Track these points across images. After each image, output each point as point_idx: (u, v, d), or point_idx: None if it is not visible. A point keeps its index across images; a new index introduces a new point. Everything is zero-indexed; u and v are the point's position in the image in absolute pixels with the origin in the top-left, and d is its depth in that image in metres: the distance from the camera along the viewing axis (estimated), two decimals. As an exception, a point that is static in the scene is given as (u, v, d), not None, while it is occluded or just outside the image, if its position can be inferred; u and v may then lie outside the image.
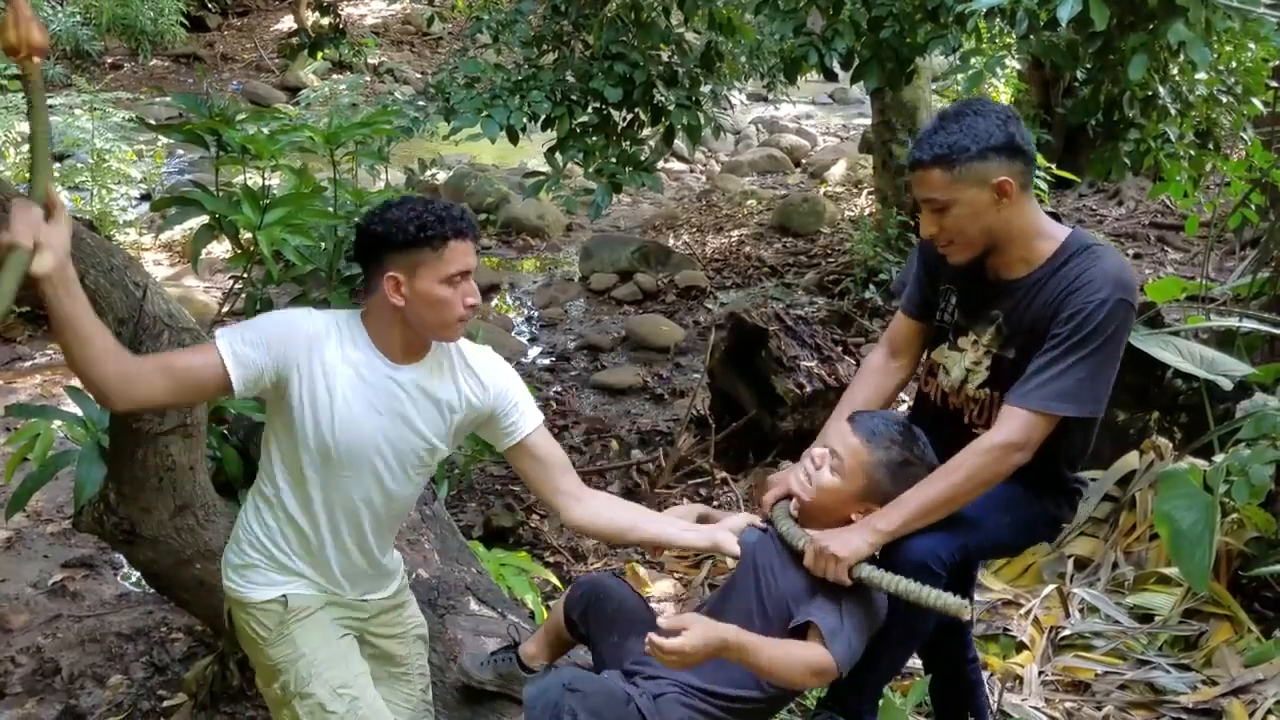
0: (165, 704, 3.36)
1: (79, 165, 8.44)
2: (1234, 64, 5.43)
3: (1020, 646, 3.29)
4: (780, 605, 2.19)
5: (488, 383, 2.25)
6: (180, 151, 10.29)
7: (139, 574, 3.61)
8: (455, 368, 2.22)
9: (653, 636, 2.01)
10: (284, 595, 2.19)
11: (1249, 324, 3.95)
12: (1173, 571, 3.39)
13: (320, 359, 2.07)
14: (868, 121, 11.46)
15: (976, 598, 3.56)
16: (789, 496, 2.30)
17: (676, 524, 2.36)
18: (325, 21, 7.19)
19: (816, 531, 2.18)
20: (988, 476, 2.15)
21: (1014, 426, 2.14)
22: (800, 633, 2.14)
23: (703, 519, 2.37)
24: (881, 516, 2.15)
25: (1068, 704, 3.04)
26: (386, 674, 2.39)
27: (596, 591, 2.42)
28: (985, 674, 3.11)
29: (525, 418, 2.28)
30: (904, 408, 3.34)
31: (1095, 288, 2.12)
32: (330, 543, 2.19)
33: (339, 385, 2.08)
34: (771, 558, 2.25)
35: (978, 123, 2.12)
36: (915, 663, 2.84)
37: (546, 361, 6.85)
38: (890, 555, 2.18)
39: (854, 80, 5.22)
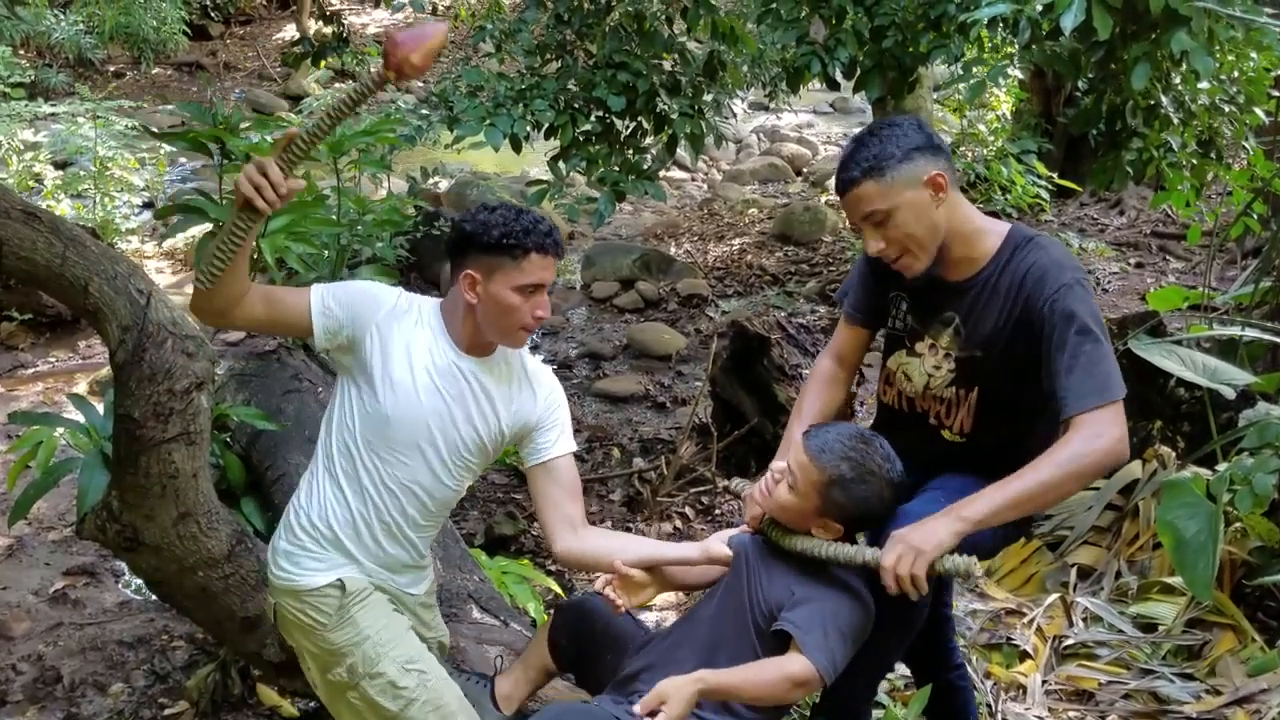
0: (166, 712, 3.35)
1: (81, 173, 8.45)
2: (1236, 73, 5.44)
3: (1023, 655, 3.28)
4: (767, 610, 2.18)
5: (540, 395, 2.32)
6: (183, 160, 10.30)
7: (141, 582, 3.60)
8: (515, 375, 2.30)
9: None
10: (339, 579, 2.22)
11: (1251, 333, 3.94)
12: (1176, 581, 3.39)
13: (399, 329, 2.19)
14: (869, 130, 11.46)
15: (979, 607, 3.56)
16: None
17: (666, 544, 2.46)
18: (328, 30, 7.21)
19: (903, 534, 2.09)
20: (1084, 468, 2.08)
21: (1094, 425, 2.08)
22: (783, 639, 2.13)
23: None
24: (969, 504, 2.07)
25: (1071, 713, 3.03)
26: None
27: (581, 612, 2.41)
28: (988, 683, 3.11)
29: (560, 441, 2.33)
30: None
31: (1056, 277, 2.15)
32: (377, 524, 2.23)
33: (413, 357, 2.18)
34: (760, 560, 2.24)
35: (894, 132, 2.19)
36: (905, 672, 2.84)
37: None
38: None
39: (856, 89, 5.23)
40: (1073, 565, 3.72)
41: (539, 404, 2.31)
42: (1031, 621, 3.41)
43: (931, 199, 2.18)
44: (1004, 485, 2.09)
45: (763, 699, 2.10)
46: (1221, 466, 3.35)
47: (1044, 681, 3.15)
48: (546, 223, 2.15)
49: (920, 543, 2.04)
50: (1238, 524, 3.41)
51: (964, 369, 2.28)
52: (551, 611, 2.52)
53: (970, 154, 9.26)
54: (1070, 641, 3.34)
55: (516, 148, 5.20)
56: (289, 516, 2.30)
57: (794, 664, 2.06)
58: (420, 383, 2.18)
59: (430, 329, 2.21)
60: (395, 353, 2.18)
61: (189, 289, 7.35)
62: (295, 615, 2.25)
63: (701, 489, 5.01)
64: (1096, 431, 2.08)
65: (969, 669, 2.89)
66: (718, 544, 2.30)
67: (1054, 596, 3.53)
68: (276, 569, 2.27)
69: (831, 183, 10.96)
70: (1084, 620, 3.45)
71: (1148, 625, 3.40)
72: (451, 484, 2.28)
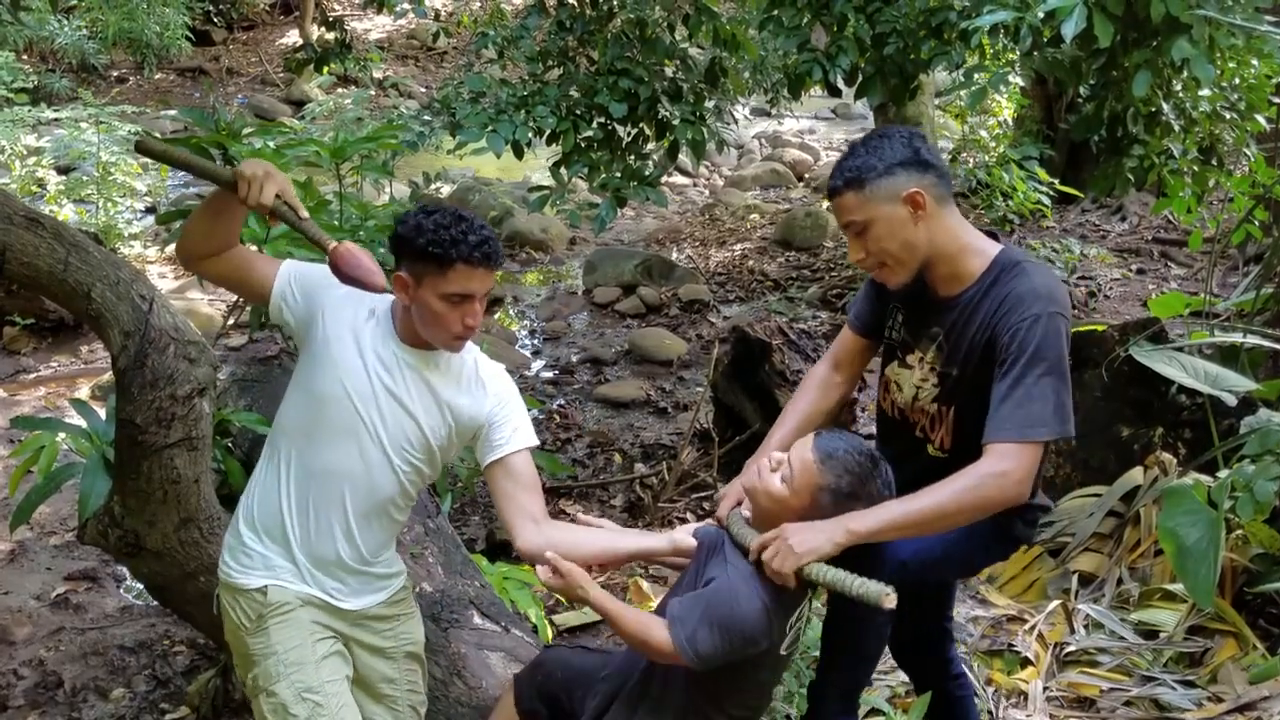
0: (167, 717, 3.35)
1: (84, 178, 8.48)
2: (1237, 80, 5.44)
3: (1025, 662, 3.28)
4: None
5: (490, 391, 2.29)
6: (185, 165, 10.31)
7: (142, 586, 3.61)
8: (465, 373, 2.27)
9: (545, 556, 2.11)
10: (266, 586, 2.21)
11: (1253, 339, 3.94)
12: (1177, 587, 3.39)
13: (350, 316, 2.20)
14: (871, 136, 11.45)
15: (981, 613, 3.56)
16: (741, 504, 2.30)
17: (630, 534, 2.40)
18: (331, 36, 7.22)
19: (792, 525, 2.11)
20: (976, 502, 2.10)
21: (999, 459, 2.10)
22: None
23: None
24: (857, 517, 2.09)
25: (1072, 720, 3.03)
26: (373, 695, 2.37)
27: (537, 673, 2.41)
28: (989, 690, 3.11)
29: (515, 438, 2.28)
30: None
31: (1026, 306, 2.13)
32: (312, 512, 2.20)
33: (360, 344, 2.19)
34: (714, 552, 2.24)
35: (883, 144, 2.20)
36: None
37: (549, 375, 6.85)
38: None
39: (858, 96, 5.23)
40: (1074, 572, 3.72)
41: (488, 400, 2.27)
42: (1033, 628, 3.41)
43: (910, 215, 2.17)
44: (900, 503, 2.11)
45: (623, 637, 2.13)
46: (1223, 473, 3.35)
47: (1045, 688, 3.15)
48: (482, 232, 2.10)
49: (797, 544, 2.05)
50: (1239, 531, 3.41)
51: (944, 385, 2.29)
52: (513, 679, 2.51)
53: (972, 160, 9.26)
54: (1072, 648, 3.34)
55: (518, 154, 5.20)
56: (237, 511, 2.30)
57: (658, 631, 2.07)
58: (359, 367, 2.17)
59: (380, 323, 2.21)
60: (341, 336, 2.18)
61: (191, 294, 7.35)
62: (227, 609, 2.27)
63: (703, 494, 5.01)
64: (1002, 468, 2.08)
65: (970, 677, 2.89)
66: (685, 535, 2.30)
67: (1055, 603, 3.53)
68: (221, 562, 2.29)
69: (833, 189, 10.99)
70: (1085, 627, 3.44)
71: (1149, 632, 3.40)
72: (392, 480, 2.23)
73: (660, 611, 2.26)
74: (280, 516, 2.22)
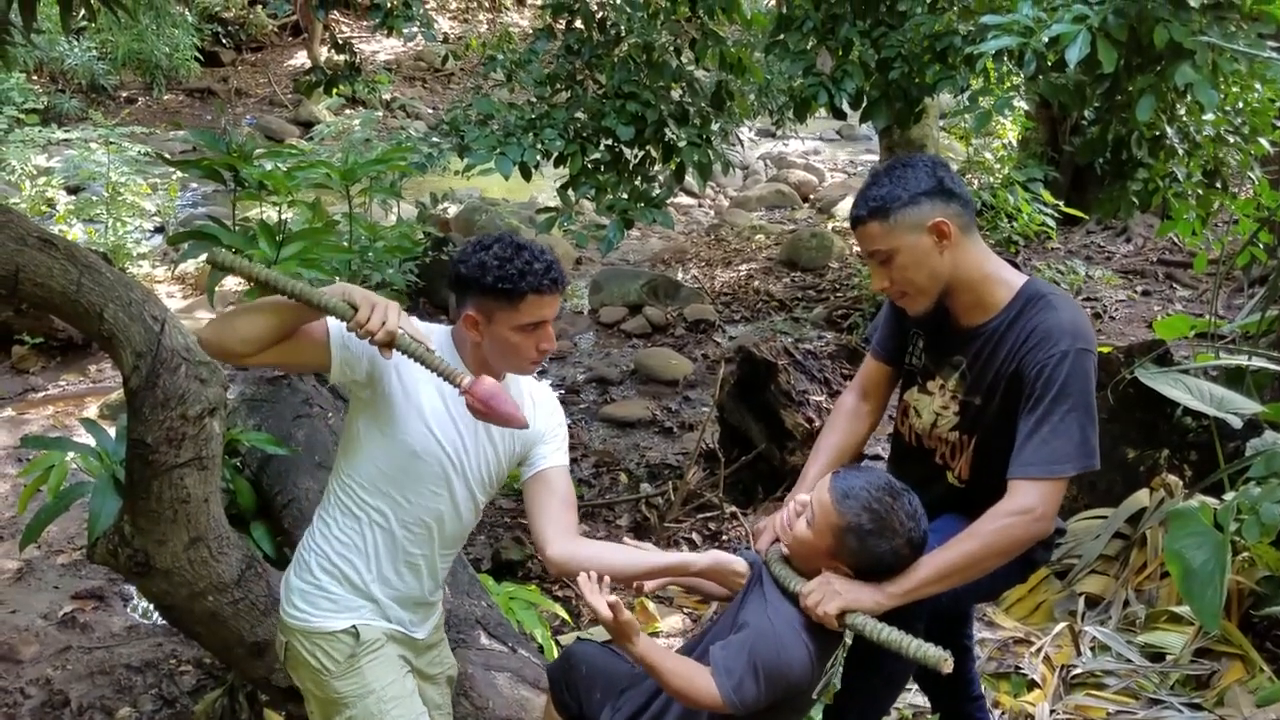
0: (174, 737, 3.36)
1: (94, 198, 8.53)
2: (1241, 104, 5.47)
3: (1032, 685, 3.28)
4: (734, 632, 2.17)
5: (541, 414, 2.32)
6: (194, 185, 10.39)
7: (149, 606, 3.61)
8: (524, 397, 2.30)
9: (584, 579, 2.07)
10: (354, 626, 2.20)
11: (1258, 362, 3.95)
12: (1184, 610, 3.38)
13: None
14: (875, 157, 11.52)
15: (988, 635, 3.55)
16: (779, 540, 2.30)
17: (663, 553, 2.38)
18: (340, 58, 7.27)
19: (837, 579, 2.13)
20: (1005, 545, 2.12)
21: (1024, 496, 2.12)
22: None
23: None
24: (895, 581, 2.11)
25: (1079, 744, 3.02)
26: None
27: (565, 664, 2.43)
28: (996, 712, 3.10)
29: (557, 454, 2.32)
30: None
31: (1053, 341, 2.14)
32: (403, 558, 2.21)
33: (435, 388, 2.13)
34: (758, 584, 2.24)
35: (907, 173, 2.20)
36: (924, 701, 2.84)
37: (556, 394, 6.85)
38: None
39: (863, 120, 5.27)
40: (1081, 594, 3.72)
41: (540, 420, 2.31)
42: (1039, 650, 3.40)
43: (934, 245, 2.18)
44: (933, 558, 2.12)
45: (668, 689, 2.10)
46: (1229, 495, 3.35)
47: (1052, 711, 3.15)
48: (545, 258, 2.09)
49: (842, 589, 2.08)
50: (1245, 553, 3.40)
51: (965, 414, 2.30)
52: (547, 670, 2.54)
53: (976, 182, 9.29)
54: (1078, 671, 3.33)
55: (526, 175, 5.23)
56: (304, 555, 2.26)
57: (703, 681, 2.05)
58: (443, 411, 2.16)
59: (452, 361, 2.15)
60: (421, 383, 2.14)
61: (200, 314, 7.38)
62: (304, 657, 2.22)
63: (709, 515, 5.01)
64: (1027, 504, 2.10)
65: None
66: (727, 554, 2.28)
67: (1062, 625, 3.53)
68: (290, 608, 2.24)
69: (838, 209, 11.02)
70: (1092, 649, 3.44)
71: (1156, 654, 3.39)
72: (473, 512, 2.28)
73: (695, 645, 2.27)
74: (365, 563, 2.20)
